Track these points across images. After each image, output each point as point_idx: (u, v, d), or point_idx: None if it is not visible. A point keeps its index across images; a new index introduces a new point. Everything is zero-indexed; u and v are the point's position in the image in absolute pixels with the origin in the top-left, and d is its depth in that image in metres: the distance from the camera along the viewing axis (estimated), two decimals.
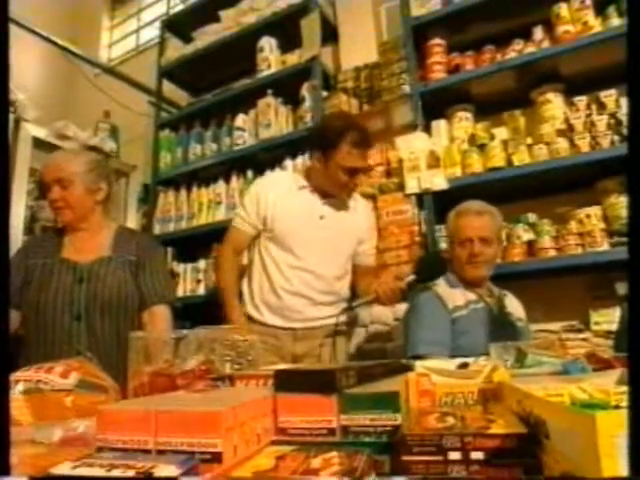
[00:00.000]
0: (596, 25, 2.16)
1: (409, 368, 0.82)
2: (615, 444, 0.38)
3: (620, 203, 1.99)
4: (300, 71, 2.79)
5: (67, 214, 1.72)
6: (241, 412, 0.56)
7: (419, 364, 0.84)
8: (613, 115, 2.03)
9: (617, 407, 0.48)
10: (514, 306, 1.83)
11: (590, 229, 2.01)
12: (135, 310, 1.72)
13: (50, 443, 0.63)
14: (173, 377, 0.87)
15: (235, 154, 2.93)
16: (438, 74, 2.45)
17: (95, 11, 4.87)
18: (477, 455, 0.50)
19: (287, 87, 2.81)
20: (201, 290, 2.91)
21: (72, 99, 4.32)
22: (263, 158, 2.87)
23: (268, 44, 2.96)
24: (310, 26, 2.78)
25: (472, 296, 1.76)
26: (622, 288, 2.02)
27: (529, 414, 0.55)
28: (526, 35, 2.35)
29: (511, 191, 2.25)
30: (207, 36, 3.25)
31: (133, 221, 3.37)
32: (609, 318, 2.04)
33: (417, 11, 2.50)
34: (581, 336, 1.97)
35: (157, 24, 3.91)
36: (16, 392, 0.79)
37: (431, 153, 2.30)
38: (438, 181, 2.24)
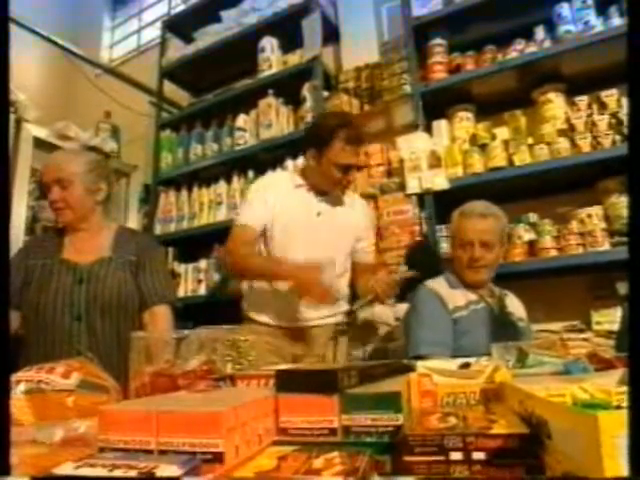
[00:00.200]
0: (597, 25, 2.16)
1: (411, 368, 0.82)
2: (617, 444, 0.38)
3: (621, 203, 1.99)
4: (301, 71, 2.79)
5: (67, 214, 1.72)
6: (242, 412, 0.56)
7: (421, 364, 0.84)
8: (614, 115, 2.03)
9: (619, 407, 0.48)
10: (515, 306, 1.83)
11: (591, 229, 2.01)
12: (135, 310, 1.72)
13: (51, 443, 0.63)
14: (174, 377, 0.87)
15: (236, 154, 2.93)
16: (439, 74, 2.45)
17: (96, 11, 4.87)
18: (479, 455, 0.50)
19: (288, 87, 2.81)
20: (202, 290, 2.91)
21: (73, 99, 4.33)
22: (264, 158, 2.87)
23: (269, 44, 2.96)
24: (311, 26, 2.78)
25: (473, 296, 1.76)
26: (623, 288, 2.02)
27: (531, 414, 0.55)
28: (527, 35, 2.35)
29: (512, 191, 2.25)
30: (208, 36, 3.25)
31: (134, 221, 3.37)
32: (610, 318, 2.04)
33: (418, 11, 2.50)
34: (582, 336, 1.96)
35: (158, 24, 3.91)
36: (17, 392, 0.79)
37: (432, 153, 2.30)
38: (439, 181, 2.24)
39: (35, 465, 0.54)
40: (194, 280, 2.96)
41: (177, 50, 3.44)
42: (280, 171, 2.57)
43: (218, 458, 0.50)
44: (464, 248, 1.76)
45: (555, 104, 2.25)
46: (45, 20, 3.35)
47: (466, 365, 0.83)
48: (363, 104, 2.71)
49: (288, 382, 0.66)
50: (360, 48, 2.94)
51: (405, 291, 1.86)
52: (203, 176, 3.11)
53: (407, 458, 0.52)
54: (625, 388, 0.51)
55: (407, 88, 2.51)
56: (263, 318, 1.80)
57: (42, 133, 2.84)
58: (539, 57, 2.21)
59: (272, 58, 2.94)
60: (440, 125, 2.47)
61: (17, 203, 2.53)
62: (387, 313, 2.22)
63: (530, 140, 2.21)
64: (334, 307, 1.85)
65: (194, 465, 0.48)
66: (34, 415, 0.76)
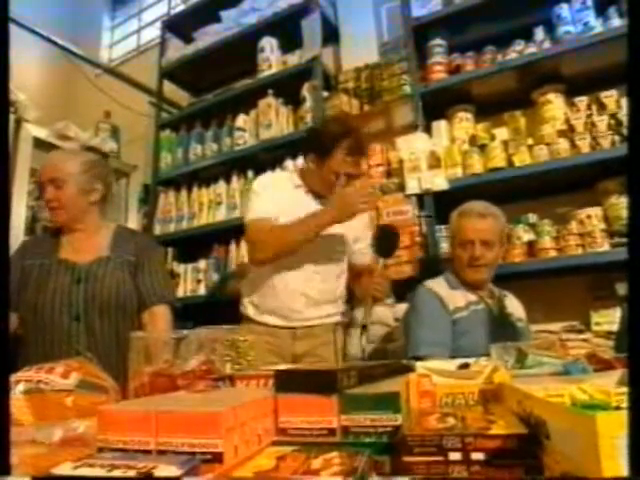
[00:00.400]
0: (597, 26, 2.16)
1: (410, 369, 0.82)
2: (616, 445, 0.38)
3: (620, 204, 1.99)
4: (301, 71, 2.79)
5: (61, 214, 1.71)
6: (242, 412, 0.56)
7: (420, 365, 0.84)
8: (614, 116, 2.03)
9: (618, 408, 0.48)
10: (514, 307, 1.83)
11: (591, 230, 2.01)
12: (134, 310, 1.71)
13: (50, 443, 0.63)
14: (174, 377, 0.87)
15: (236, 154, 2.93)
16: (439, 74, 2.45)
17: (96, 11, 4.87)
18: (478, 456, 0.50)
19: (288, 87, 2.81)
20: (202, 290, 2.91)
21: (73, 99, 4.33)
22: (264, 158, 2.87)
23: (269, 44, 2.96)
24: (311, 26, 2.78)
25: (473, 297, 1.76)
26: (622, 288, 2.02)
27: (530, 415, 0.55)
28: (527, 36, 2.35)
29: (512, 191, 2.25)
30: (208, 36, 3.25)
31: (134, 221, 3.37)
32: (610, 319, 2.04)
33: (418, 11, 2.50)
34: (582, 337, 1.97)
35: (158, 24, 3.91)
36: (17, 392, 0.79)
37: (432, 154, 2.30)
38: (439, 181, 2.24)
39: (34, 465, 0.54)
40: (193, 280, 2.96)
41: (177, 50, 3.43)
42: (279, 172, 2.56)
43: (217, 458, 0.50)
44: (464, 247, 1.76)
45: (554, 105, 2.25)
46: (45, 20, 3.35)
47: (465, 366, 0.83)
48: (363, 104, 2.71)
49: (287, 382, 0.66)
50: (360, 48, 2.94)
51: (405, 291, 1.86)
52: (203, 176, 3.11)
53: (406, 458, 0.52)
54: (624, 389, 0.51)
55: (407, 88, 2.51)
56: (262, 318, 1.80)
57: (42, 133, 2.84)
58: (539, 58, 2.22)
59: (272, 58, 2.94)
60: (440, 126, 2.47)
61: (17, 203, 2.53)
62: (386, 313, 2.22)
63: (530, 141, 2.21)
64: (332, 306, 1.85)
65: (193, 465, 0.48)
66: (33, 415, 0.76)
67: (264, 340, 1.75)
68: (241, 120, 2.96)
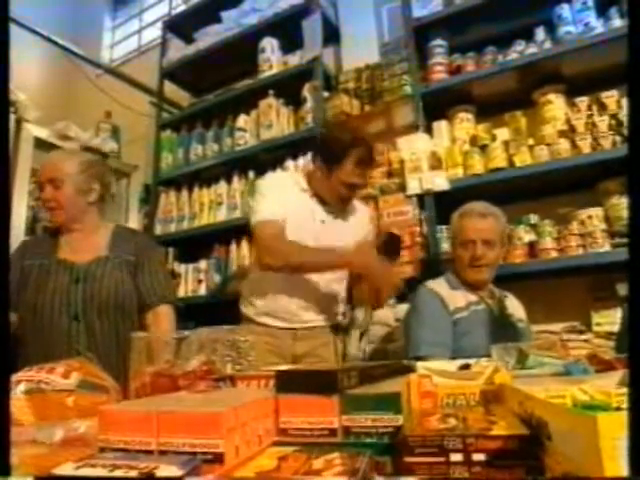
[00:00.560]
0: (598, 26, 2.16)
1: (410, 369, 0.82)
2: (617, 446, 0.38)
3: (621, 204, 1.99)
4: (301, 72, 2.80)
5: (58, 214, 1.72)
6: (242, 413, 0.56)
7: (420, 365, 0.84)
8: (614, 116, 2.03)
9: (618, 409, 0.48)
10: (515, 307, 1.83)
11: (591, 230, 2.01)
12: (134, 310, 1.71)
13: (51, 443, 0.63)
14: (175, 378, 0.87)
15: (236, 155, 2.93)
16: (439, 75, 2.45)
17: (97, 11, 4.88)
18: (479, 456, 0.50)
19: (288, 88, 2.82)
20: (202, 290, 2.91)
21: (73, 99, 4.33)
22: (264, 159, 2.87)
23: (270, 45, 2.96)
24: (312, 27, 2.78)
25: (473, 298, 1.76)
26: (623, 289, 2.02)
27: (531, 415, 0.55)
28: (528, 36, 2.35)
29: (512, 192, 2.25)
30: (209, 37, 3.26)
31: (134, 221, 3.37)
32: (610, 319, 2.04)
33: (418, 12, 2.50)
34: (582, 337, 1.97)
35: (159, 25, 3.91)
36: (18, 392, 0.79)
37: (432, 154, 2.30)
38: (439, 182, 2.24)
39: (35, 465, 0.54)
40: (194, 280, 2.96)
41: (178, 50, 3.44)
42: (285, 172, 2.55)
43: (218, 458, 0.50)
44: (465, 247, 1.76)
45: (555, 105, 2.25)
46: (46, 20, 3.35)
47: (466, 366, 0.83)
48: (363, 105, 2.71)
49: (288, 383, 0.66)
50: (360, 49, 2.94)
51: (405, 292, 1.86)
52: (203, 176, 3.12)
53: (407, 459, 0.52)
54: (625, 389, 0.51)
55: (407, 89, 2.51)
56: (262, 319, 1.80)
57: (42, 133, 2.84)
58: (539, 58, 2.21)
59: (272, 59, 2.95)
60: (440, 126, 2.47)
61: (17, 203, 2.53)
62: (387, 314, 2.22)
63: (530, 141, 2.21)
64: (332, 309, 1.85)
65: (194, 465, 0.48)
66: (34, 415, 0.76)
67: (264, 340, 1.74)
68: (242, 120, 2.96)
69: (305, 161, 2.66)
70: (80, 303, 1.63)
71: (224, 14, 3.20)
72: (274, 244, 1.67)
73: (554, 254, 2.07)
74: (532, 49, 2.30)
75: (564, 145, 2.08)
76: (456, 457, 0.51)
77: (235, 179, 2.96)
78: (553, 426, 0.49)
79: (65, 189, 1.70)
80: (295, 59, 2.92)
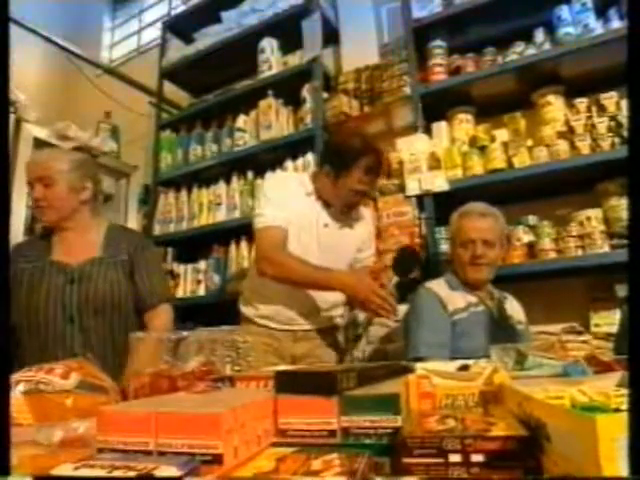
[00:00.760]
0: (597, 27, 2.16)
1: (409, 370, 0.82)
2: (615, 447, 0.38)
3: (620, 205, 1.99)
4: (301, 72, 2.80)
5: (50, 214, 1.69)
6: (241, 414, 0.56)
7: (419, 366, 0.84)
8: (613, 117, 2.03)
9: (617, 410, 0.48)
10: (514, 309, 1.83)
11: (590, 231, 2.01)
12: (129, 310, 1.70)
13: (50, 444, 0.63)
14: (174, 378, 0.87)
15: (236, 155, 2.93)
16: (439, 76, 2.46)
17: (96, 12, 4.87)
18: (477, 457, 0.50)
19: (288, 88, 2.82)
20: (201, 291, 2.91)
21: (73, 100, 4.33)
22: (264, 159, 2.87)
23: (269, 45, 2.97)
24: (311, 27, 2.78)
25: (472, 299, 1.76)
26: (622, 290, 2.02)
27: (529, 416, 0.55)
28: (527, 37, 2.35)
29: (511, 193, 2.25)
30: (208, 37, 3.26)
31: (134, 222, 3.37)
32: (609, 320, 2.04)
33: (418, 13, 2.51)
34: (581, 338, 1.96)
35: (158, 25, 3.91)
36: (16, 393, 0.79)
37: (432, 155, 2.30)
38: (439, 183, 2.24)
39: (34, 466, 0.54)
40: (193, 281, 2.96)
41: (177, 51, 3.44)
42: (290, 174, 2.54)
43: (217, 459, 0.50)
44: (465, 247, 1.77)
45: (554, 106, 2.25)
46: (45, 20, 3.35)
47: (465, 367, 0.83)
48: (363, 105, 2.71)
49: (287, 383, 0.66)
50: (360, 49, 2.94)
51: (405, 292, 1.86)
52: (203, 177, 3.12)
53: (406, 460, 0.52)
54: (624, 391, 0.51)
55: (407, 90, 2.51)
56: (262, 321, 1.80)
57: (42, 133, 2.84)
58: (539, 59, 2.22)
59: (272, 59, 2.95)
60: (440, 127, 2.47)
61: (17, 203, 2.53)
62: None
63: (529, 142, 2.21)
64: (331, 312, 1.84)
65: (193, 466, 0.48)
66: (33, 416, 0.76)
67: (264, 341, 1.74)
68: (241, 121, 2.96)
69: (305, 161, 2.67)
70: (75, 304, 1.61)
71: (224, 14, 3.20)
72: (272, 255, 1.67)
73: (553, 255, 2.07)
74: (531, 50, 2.30)
75: (563, 146, 2.08)
76: (455, 458, 0.51)
77: (234, 179, 2.97)
78: (552, 427, 0.49)
79: (56, 187, 1.66)
80: (295, 59, 2.92)
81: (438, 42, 2.51)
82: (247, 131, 2.94)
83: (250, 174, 2.92)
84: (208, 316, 2.46)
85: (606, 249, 1.96)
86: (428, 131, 2.45)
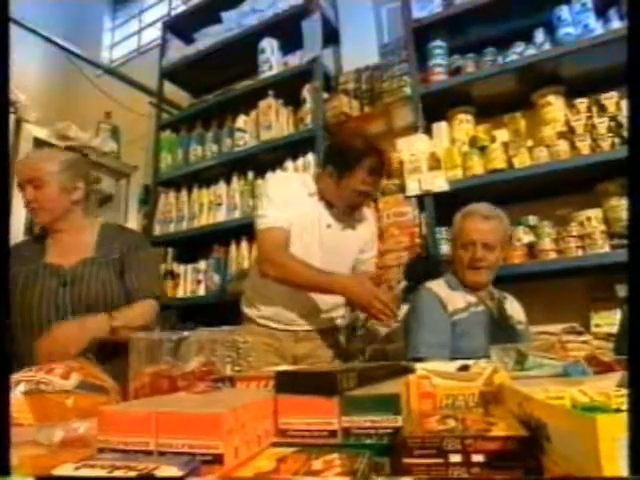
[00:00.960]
0: (597, 28, 2.16)
1: (410, 370, 0.82)
2: (616, 447, 0.38)
3: (620, 205, 1.99)
4: (301, 72, 2.80)
5: (42, 215, 1.66)
6: (242, 414, 0.56)
7: (420, 366, 0.84)
8: (614, 118, 2.04)
9: (618, 410, 0.48)
10: (514, 309, 1.83)
11: (590, 231, 2.01)
12: None
13: (51, 444, 0.63)
14: (174, 378, 0.87)
15: (236, 155, 2.93)
16: (439, 76, 2.46)
17: (97, 12, 4.88)
18: (478, 457, 0.50)
19: (288, 88, 2.82)
20: (201, 291, 2.91)
21: (73, 100, 4.33)
22: (264, 159, 2.87)
23: (269, 45, 2.97)
24: (311, 27, 2.78)
25: (472, 299, 1.76)
26: (622, 290, 2.02)
27: (530, 417, 0.55)
28: (527, 37, 2.35)
29: (512, 193, 2.25)
30: (208, 37, 3.26)
31: (134, 222, 3.38)
32: (609, 320, 2.04)
33: (418, 13, 2.51)
34: (581, 338, 1.96)
35: (159, 25, 3.92)
36: (17, 393, 0.79)
37: (432, 155, 2.31)
38: (439, 183, 2.24)
39: (35, 466, 0.54)
40: (193, 281, 2.96)
41: (177, 51, 3.44)
42: (293, 174, 2.54)
43: (218, 459, 0.50)
44: (466, 248, 1.76)
45: (555, 107, 2.25)
46: (46, 21, 3.35)
47: (465, 367, 0.83)
48: (363, 106, 2.71)
49: (288, 384, 0.66)
50: (360, 50, 2.94)
51: (406, 293, 1.86)
52: (203, 177, 3.12)
53: (406, 460, 0.52)
54: (624, 391, 0.51)
55: (407, 90, 2.51)
56: (263, 321, 1.80)
57: (42, 133, 2.84)
58: (539, 59, 2.22)
59: (272, 59, 2.95)
60: (440, 127, 2.47)
61: (16, 203, 2.52)
62: None
63: (530, 142, 2.21)
64: (332, 313, 1.84)
65: (194, 466, 0.48)
66: (34, 416, 0.76)
67: (266, 341, 1.75)
68: (241, 121, 2.96)
69: (305, 162, 2.67)
70: (69, 306, 1.59)
71: (224, 15, 3.21)
72: (274, 256, 1.67)
73: (553, 255, 2.07)
74: (531, 50, 2.30)
75: (563, 146, 2.09)
76: (455, 458, 0.51)
77: (234, 180, 2.97)
78: (552, 427, 0.49)
79: (47, 189, 1.64)
80: (295, 60, 2.92)
81: (438, 42, 2.51)
82: (247, 131, 2.94)
83: (250, 174, 2.92)
84: (208, 316, 2.46)
85: (606, 249, 1.96)
86: (428, 131, 2.45)
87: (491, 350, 0.98)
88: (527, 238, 2.18)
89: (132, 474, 0.45)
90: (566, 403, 0.53)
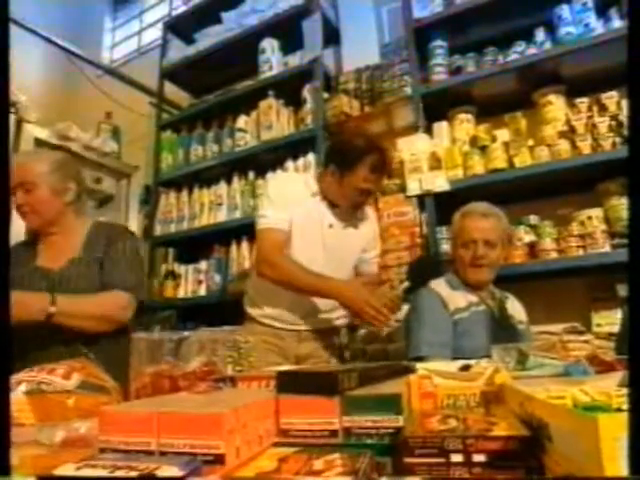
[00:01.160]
0: (597, 27, 2.16)
1: (411, 370, 0.82)
2: (617, 447, 0.38)
3: (621, 205, 1.99)
4: (302, 72, 2.80)
5: (34, 219, 1.62)
6: (243, 414, 0.56)
7: (421, 366, 0.84)
8: (614, 117, 2.03)
9: (619, 410, 0.48)
10: (516, 309, 1.83)
11: (591, 231, 2.01)
12: None
13: (52, 444, 0.63)
14: (175, 378, 0.87)
15: (236, 155, 2.94)
16: (440, 76, 2.46)
17: (97, 12, 4.88)
18: (479, 457, 0.50)
19: (288, 88, 2.82)
20: (202, 291, 2.91)
21: (74, 100, 4.34)
22: (264, 159, 2.87)
23: (270, 45, 2.97)
24: (312, 27, 2.79)
25: (473, 298, 1.76)
26: (623, 290, 2.02)
27: (531, 416, 0.55)
28: (528, 37, 2.35)
29: (512, 193, 2.25)
30: (209, 37, 3.26)
31: (134, 222, 3.38)
32: (610, 320, 2.04)
33: (419, 13, 2.51)
34: (582, 338, 1.96)
35: (159, 25, 3.92)
36: (18, 393, 0.79)
37: (432, 155, 2.30)
38: (440, 183, 2.24)
39: (36, 466, 0.54)
40: (194, 281, 2.97)
41: (178, 51, 3.45)
42: (295, 174, 2.54)
43: (219, 459, 0.50)
44: (467, 247, 1.76)
45: (555, 106, 2.25)
46: (46, 21, 3.36)
47: (466, 367, 0.83)
48: (363, 106, 2.71)
49: (289, 383, 0.66)
50: (361, 49, 2.95)
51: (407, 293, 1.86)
52: (203, 177, 3.12)
53: (407, 460, 0.52)
54: (625, 390, 0.51)
55: (408, 90, 2.51)
56: (266, 320, 1.80)
57: (43, 134, 2.85)
58: (539, 59, 2.22)
59: (273, 59, 2.95)
60: (441, 127, 2.47)
61: None
62: None
63: (530, 142, 2.21)
64: (335, 313, 1.85)
65: (195, 466, 0.48)
66: (35, 416, 0.76)
67: (269, 341, 1.75)
68: (242, 121, 2.97)
69: (305, 162, 2.67)
70: None
71: (224, 15, 3.21)
72: (272, 258, 1.68)
73: (554, 255, 2.07)
74: (532, 50, 2.31)
75: (564, 146, 2.08)
76: (456, 458, 0.51)
77: (235, 180, 2.97)
78: (554, 427, 0.49)
79: (38, 191, 1.58)
80: (295, 60, 2.93)
81: (439, 42, 2.51)
82: (248, 131, 2.94)
83: (251, 174, 2.93)
84: (209, 316, 2.46)
85: (607, 249, 1.96)
86: (429, 131, 2.45)
87: (492, 350, 0.98)
88: (528, 238, 2.18)
89: (133, 474, 0.45)
90: (567, 403, 0.52)
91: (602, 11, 2.21)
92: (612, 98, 2.10)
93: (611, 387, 0.55)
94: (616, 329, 1.81)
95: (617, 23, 2.14)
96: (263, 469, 0.51)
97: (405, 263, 2.27)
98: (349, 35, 3.06)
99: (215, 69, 3.32)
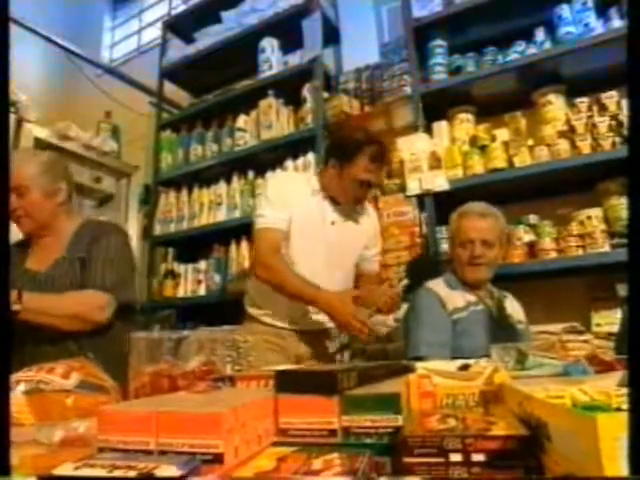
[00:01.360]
0: (597, 27, 2.16)
1: (410, 369, 0.82)
2: (616, 446, 0.38)
3: (621, 204, 1.99)
4: (301, 72, 2.80)
5: (27, 223, 1.58)
6: (242, 413, 0.56)
7: (420, 365, 0.84)
8: (614, 117, 2.03)
9: (618, 409, 0.48)
10: (514, 308, 1.83)
11: (591, 230, 2.01)
12: None
13: (51, 444, 0.63)
14: (174, 378, 0.87)
15: (236, 155, 2.94)
16: (439, 75, 2.46)
17: (97, 12, 4.88)
18: (478, 457, 0.50)
19: (288, 88, 2.82)
20: (202, 291, 2.91)
21: (74, 100, 4.34)
22: (264, 159, 2.87)
23: (269, 45, 2.97)
24: (312, 27, 2.78)
25: (472, 298, 1.76)
26: (623, 289, 2.02)
27: (530, 416, 0.55)
28: (527, 36, 2.35)
29: (512, 192, 2.25)
30: (209, 37, 3.26)
31: (134, 222, 3.38)
32: (610, 320, 2.04)
33: (418, 12, 2.50)
34: (582, 338, 1.96)
35: (159, 25, 3.92)
36: (17, 392, 0.79)
37: (432, 154, 2.30)
38: (439, 182, 2.24)
39: (35, 465, 0.54)
40: (194, 281, 2.97)
41: (178, 50, 3.44)
42: (296, 173, 2.54)
43: (218, 459, 0.50)
44: (464, 247, 1.77)
45: (555, 106, 2.25)
46: (46, 20, 3.36)
47: (465, 367, 0.83)
48: (363, 105, 2.71)
49: (288, 383, 0.66)
50: (360, 49, 2.95)
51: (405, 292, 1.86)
52: (203, 176, 3.12)
53: (407, 459, 0.52)
54: (625, 390, 0.51)
55: (407, 89, 2.51)
56: (267, 319, 1.79)
57: (43, 133, 2.84)
58: (539, 59, 2.22)
59: (272, 59, 2.95)
60: (440, 126, 2.47)
61: None
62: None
63: (530, 141, 2.21)
64: None
65: (194, 466, 0.48)
66: (34, 415, 0.76)
67: (270, 340, 1.75)
68: (242, 120, 2.97)
69: (305, 161, 2.67)
70: None
71: (224, 14, 3.20)
72: (268, 260, 1.68)
73: (553, 254, 2.07)
74: (532, 49, 2.30)
75: (564, 146, 2.08)
76: (455, 457, 0.51)
77: (235, 179, 2.97)
78: (553, 426, 0.49)
79: (31, 195, 1.56)
80: (295, 59, 2.93)
81: (438, 41, 2.50)
82: (248, 131, 2.94)
83: (251, 174, 2.92)
84: (209, 316, 2.46)
85: (607, 248, 1.96)
86: (429, 131, 2.45)
87: (491, 349, 0.98)
88: (527, 237, 2.18)
89: (132, 474, 0.45)
90: (566, 402, 0.52)
91: (602, 11, 2.21)
92: (612, 98, 2.10)
93: (610, 387, 0.55)
94: (615, 329, 1.81)
95: (617, 23, 2.14)
96: (262, 468, 0.51)
97: (404, 262, 2.27)
98: (349, 34, 3.06)
99: (215, 68, 3.31)
